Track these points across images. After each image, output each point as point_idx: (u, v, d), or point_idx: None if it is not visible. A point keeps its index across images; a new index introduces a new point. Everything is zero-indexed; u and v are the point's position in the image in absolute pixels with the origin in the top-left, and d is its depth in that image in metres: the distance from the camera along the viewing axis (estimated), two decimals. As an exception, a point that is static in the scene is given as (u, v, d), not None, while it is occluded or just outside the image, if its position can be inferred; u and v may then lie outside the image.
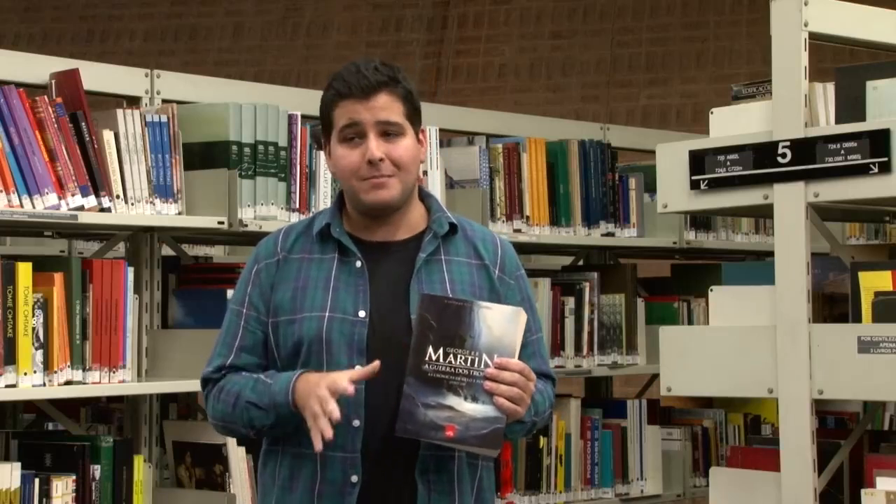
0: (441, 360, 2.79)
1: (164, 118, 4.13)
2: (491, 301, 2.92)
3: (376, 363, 2.80)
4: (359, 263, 2.92)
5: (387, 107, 2.90)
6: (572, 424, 5.13)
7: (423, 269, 2.92)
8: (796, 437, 3.59)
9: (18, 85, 3.90)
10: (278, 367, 2.93)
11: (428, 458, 2.87)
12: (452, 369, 2.79)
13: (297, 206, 4.37)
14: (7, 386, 3.74)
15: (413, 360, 2.79)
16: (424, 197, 3.02)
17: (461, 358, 2.79)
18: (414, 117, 2.95)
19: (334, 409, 2.75)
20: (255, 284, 2.97)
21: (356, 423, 2.84)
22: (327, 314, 2.88)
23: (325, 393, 2.76)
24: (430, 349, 2.79)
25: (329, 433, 2.76)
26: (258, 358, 2.94)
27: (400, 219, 2.96)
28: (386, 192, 2.89)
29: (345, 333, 2.87)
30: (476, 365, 2.79)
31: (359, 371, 2.81)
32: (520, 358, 2.94)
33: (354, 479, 2.85)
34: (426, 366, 2.79)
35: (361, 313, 2.88)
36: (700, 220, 5.54)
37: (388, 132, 2.90)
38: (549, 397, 3.01)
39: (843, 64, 3.72)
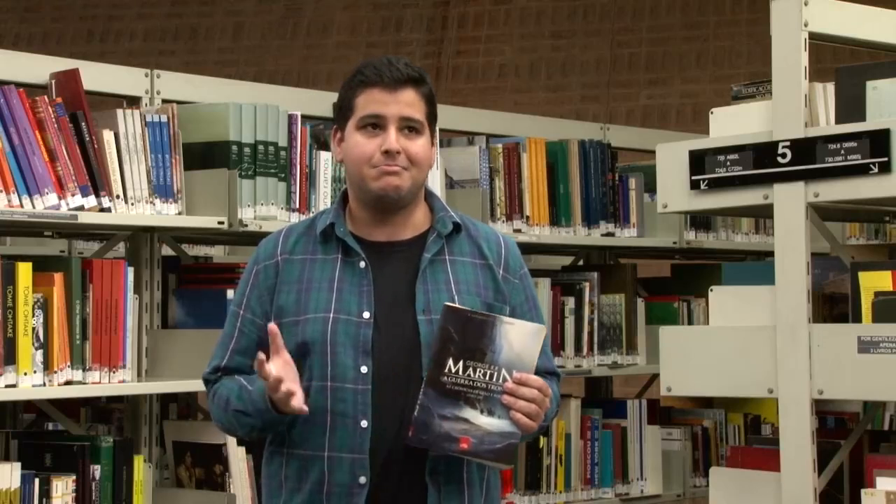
0: (460, 372, 2.80)
1: (164, 118, 4.13)
2: (497, 302, 2.93)
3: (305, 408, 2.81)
4: (362, 264, 2.90)
5: (412, 103, 2.90)
6: (572, 424, 5.13)
7: (428, 270, 2.91)
8: (796, 437, 3.59)
9: (18, 85, 3.89)
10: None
11: (438, 459, 2.85)
12: (471, 382, 2.80)
13: (297, 206, 4.37)
14: (7, 386, 3.74)
15: (432, 371, 2.79)
16: (428, 196, 3.01)
17: (480, 371, 2.80)
18: (432, 120, 2.96)
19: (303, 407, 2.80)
20: (253, 286, 2.96)
21: (364, 423, 2.83)
22: (332, 315, 2.87)
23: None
24: (451, 361, 2.79)
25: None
26: (251, 360, 2.91)
27: (404, 218, 2.95)
28: (396, 180, 2.87)
29: (350, 335, 2.86)
30: (495, 379, 2.80)
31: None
32: None
33: (363, 480, 2.84)
34: (445, 378, 2.79)
35: (366, 314, 2.87)
36: (700, 220, 5.53)
37: (409, 128, 2.90)
38: (557, 398, 3.01)
39: (843, 64, 3.71)
